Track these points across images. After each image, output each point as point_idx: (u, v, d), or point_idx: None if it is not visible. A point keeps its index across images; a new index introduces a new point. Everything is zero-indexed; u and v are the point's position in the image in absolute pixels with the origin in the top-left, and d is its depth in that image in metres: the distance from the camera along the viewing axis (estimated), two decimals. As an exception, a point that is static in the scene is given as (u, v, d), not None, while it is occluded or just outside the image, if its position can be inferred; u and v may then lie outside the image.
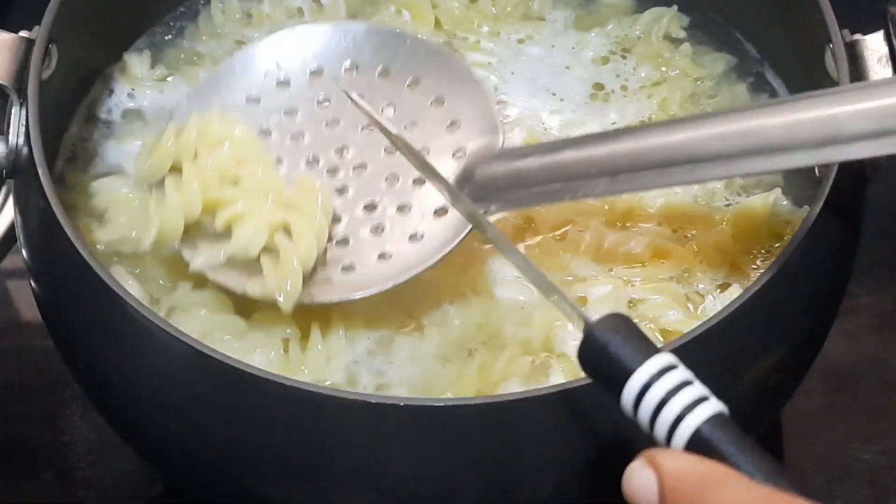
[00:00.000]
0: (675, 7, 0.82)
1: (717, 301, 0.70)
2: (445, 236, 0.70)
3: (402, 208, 0.71)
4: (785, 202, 0.74)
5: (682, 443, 0.52)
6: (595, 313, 0.69)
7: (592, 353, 0.51)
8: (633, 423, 0.52)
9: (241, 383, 0.62)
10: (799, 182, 0.75)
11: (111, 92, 0.79)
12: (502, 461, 0.63)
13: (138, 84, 0.79)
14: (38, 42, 0.71)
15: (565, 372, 0.68)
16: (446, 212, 0.70)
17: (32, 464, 0.81)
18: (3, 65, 0.70)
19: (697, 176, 0.66)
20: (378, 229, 0.71)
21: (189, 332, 0.63)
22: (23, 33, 0.72)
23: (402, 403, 0.61)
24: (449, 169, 0.71)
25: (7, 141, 0.70)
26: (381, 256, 0.70)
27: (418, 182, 0.71)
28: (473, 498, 0.64)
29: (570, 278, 0.72)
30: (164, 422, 0.66)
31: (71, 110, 0.77)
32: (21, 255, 0.72)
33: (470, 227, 0.68)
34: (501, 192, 0.70)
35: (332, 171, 0.72)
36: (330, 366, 0.68)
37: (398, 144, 0.68)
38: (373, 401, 0.61)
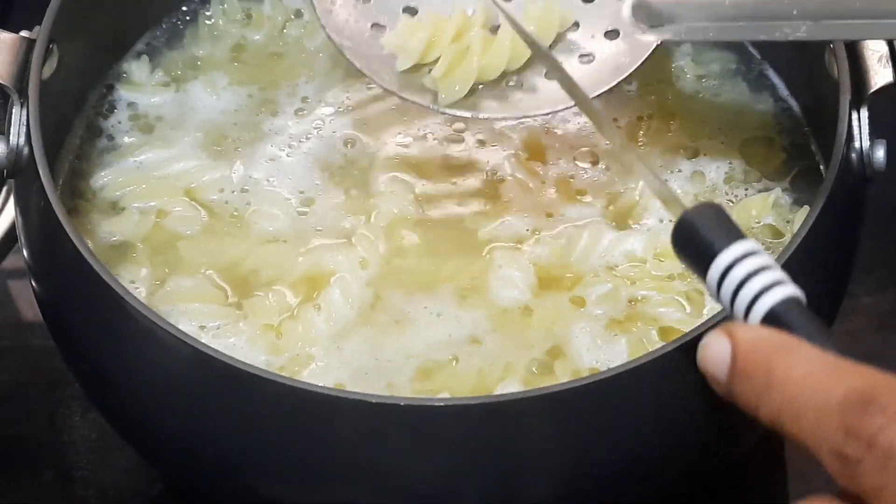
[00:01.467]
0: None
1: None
2: (618, 62, 0.71)
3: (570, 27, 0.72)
4: (785, 201, 0.74)
5: (757, 319, 0.54)
6: (595, 311, 0.70)
7: (683, 235, 0.54)
8: (715, 301, 0.55)
9: (242, 383, 0.62)
10: (800, 181, 0.75)
11: (112, 94, 0.79)
12: (502, 461, 0.63)
13: (138, 88, 0.79)
14: (38, 42, 0.71)
15: (565, 372, 0.68)
16: (617, 35, 0.71)
17: (32, 464, 0.80)
18: (3, 65, 0.70)
19: None
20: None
21: (183, 325, 0.63)
22: (23, 33, 0.72)
23: (402, 403, 0.61)
24: None
25: (8, 141, 0.70)
26: (549, 76, 0.71)
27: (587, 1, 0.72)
28: (473, 498, 0.64)
29: (571, 276, 0.72)
30: (164, 422, 0.66)
31: (72, 110, 0.78)
32: (22, 254, 0.72)
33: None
34: (684, 20, 0.70)
35: None
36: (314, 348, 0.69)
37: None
38: (373, 401, 0.61)
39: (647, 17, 0.71)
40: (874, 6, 0.66)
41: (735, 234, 0.54)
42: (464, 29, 0.72)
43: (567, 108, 0.71)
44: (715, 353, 0.50)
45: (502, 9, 0.69)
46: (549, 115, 0.75)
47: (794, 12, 0.67)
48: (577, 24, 0.73)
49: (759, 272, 0.53)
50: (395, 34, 0.72)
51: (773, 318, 0.54)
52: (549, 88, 0.72)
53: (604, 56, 0.72)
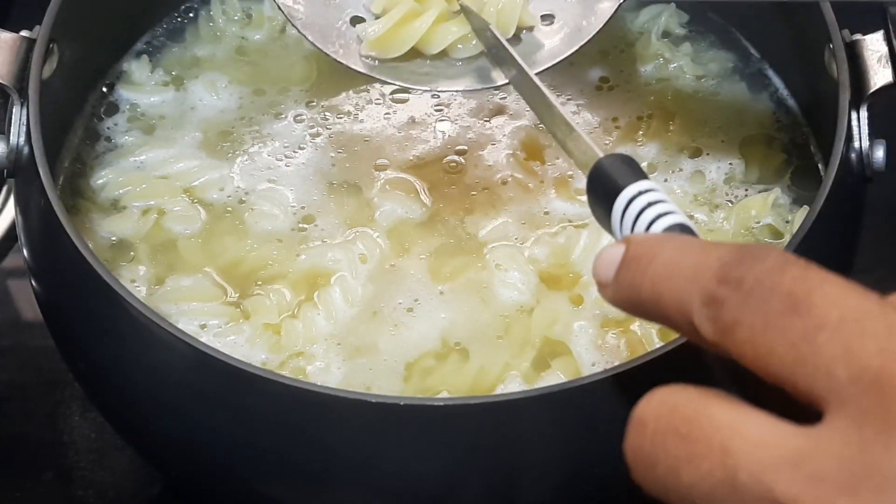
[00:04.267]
0: (672, 5, 0.82)
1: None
2: (580, 24, 0.71)
3: None
4: (785, 201, 0.74)
5: None
6: (594, 311, 0.70)
7: (595, 179, 0.57)
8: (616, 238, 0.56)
9: (242, 382, 0.62)
10: (799, 181, 0.75)
11: (112, 94, 0.79)
12: (502, 461, 0.63)
13: (138, 88, 0.79)
14: (38, 41, 0.71)
15: (565, 372, 0.68)
16: None
17: (32, 464, 0.80)
18: (3, 64, 0.70)
19: None
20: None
21: (183, 324, 0.63)
22: (24, 33, 0.72)
23: (402, 403, 0.61)
24: None
25: (8, 140, 0.70)
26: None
27: None
28: (473, 498, 0.64)
29: (571, 275, 0.72)
30: (164, 422, 0.66)
31: (72, 110, 0.78)
32: (22, 254, 0.72)
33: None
34: None
35: None
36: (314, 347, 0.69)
37: None
38: (373, 401, 0.61)
39: None
40: None
41: (638, 175, 0.55)
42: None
43: (491, 86, 0.71)
44: (608, 257, 0.49)
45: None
46: (481, 91, 0.74)
47: None
48: None
49: (655, 203, 0.54)
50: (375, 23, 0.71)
51: None
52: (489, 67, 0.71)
53: (564, 19, 0.71)
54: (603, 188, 0.56)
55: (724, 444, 0.43)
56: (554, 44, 0.71)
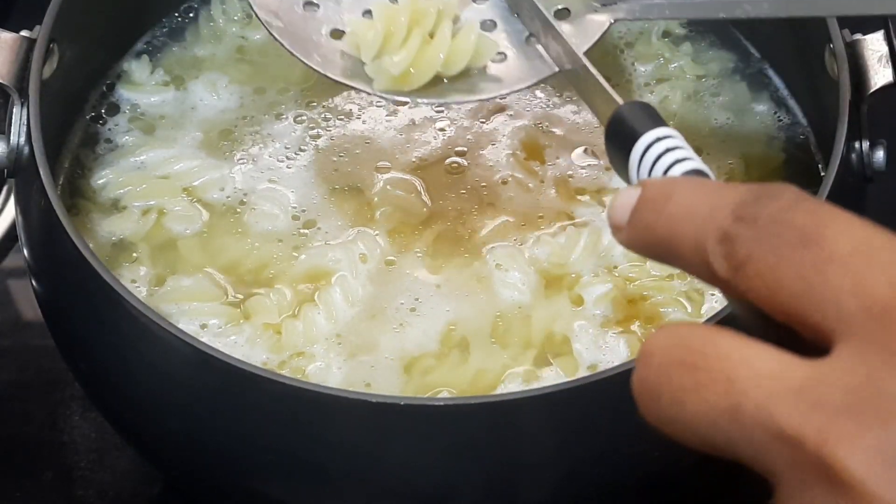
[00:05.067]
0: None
1: (717, 299, 0.70)
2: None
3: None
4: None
5: None
6: (594, 311, 0.70)
7: (614, 127, 0.57)
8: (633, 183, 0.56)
9: (242, 382, 0.62)
10: (799, 181, 0.75)
11: (112, 94, 0.79)
12: (502, 461, 0.63)
13: (139, 88, 0.79)
14: (39, 41, 0.71)
15: (565, 372, 0.68)
16: (568, 13, 0.69)
17: (32, 464, 0.80)
18: (4, 64, 0.70)
19: (878, 6, 0.64)
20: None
21: (183, 324, 0.63)
22: (24, 33, 0.72)
23: (402, 403, 0.61)
24: None
25: (8, 140, 0.70)
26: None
27: None
28: (474, 498, 0.64)
29: (572, 275, 0.72)
30: (164, 421, 0.66)
31: (73, 110, 0.78)
32: (22, 254, 0.72)
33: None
34: None
35: None
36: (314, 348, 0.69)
37: None
38: (373, 400, 0.61)
39: None
40: None
41: (657, 121, 0.55)
42: (420, 15, 0.69)
43: (510, 92, 0.69)
44: (623, 199, 0.48)
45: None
46: (496, 98, 0.73)
47: None
48: None
49: (673, 150, 0.54)
50: (350, 34, 0.70)
51: None
52: (503, 74, 0.69)
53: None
54: (621, 135, 0.56)
55: (730, 374, 0.42)
56: (541, 60, 0.70)
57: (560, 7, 0.70)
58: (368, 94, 0.69)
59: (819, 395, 0.41)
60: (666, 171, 0.53)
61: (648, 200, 0.48)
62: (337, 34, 0.70)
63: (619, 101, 0.58)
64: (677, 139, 0.54)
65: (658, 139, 0.54)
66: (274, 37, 0.69)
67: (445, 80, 0.69)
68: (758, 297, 0.43)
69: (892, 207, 0.84)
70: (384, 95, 0.69)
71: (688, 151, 0.54)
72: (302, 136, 0.77)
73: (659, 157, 0.54)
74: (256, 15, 0.70)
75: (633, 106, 0.57)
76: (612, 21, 0.69)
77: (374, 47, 0.68)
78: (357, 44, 0.69)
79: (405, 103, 0.75)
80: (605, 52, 0.80)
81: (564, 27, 0.69)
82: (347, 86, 0.69)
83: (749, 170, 0.76)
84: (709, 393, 0.43)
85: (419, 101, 0.69)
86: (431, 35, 0.68)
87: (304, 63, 0.69)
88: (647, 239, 0.48)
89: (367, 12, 0.70)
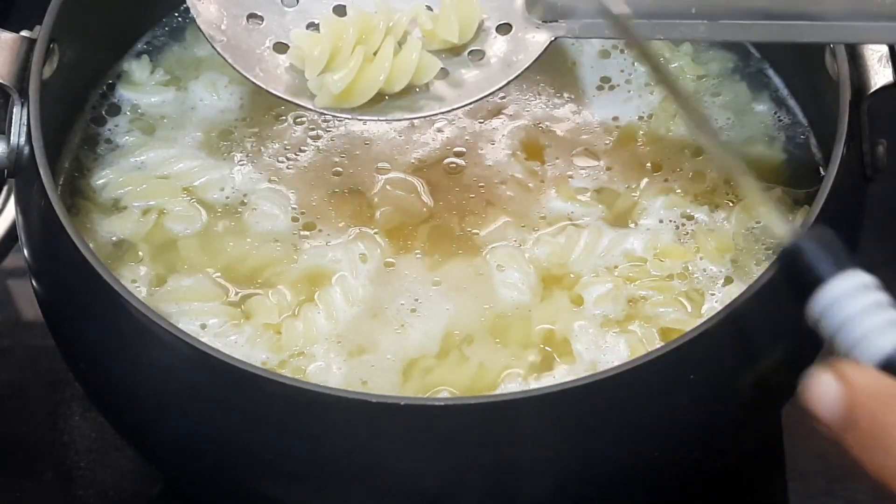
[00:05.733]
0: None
1: (718, 300, 0.70)
2: (510, 60, 0.69)
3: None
4: (786, 201, 0.74)
5: (872, 362, 0.51)
6: (594, 311, 0.70)
7: (790, 257, 0.52)
8: (813, 329, 0.52)
9: (242, 382, 0.62)
10: (800, 181, 0.75)
11: (112, 94, 0.79)
12: (502, 461, 0.63)
13: (139, 88, 0.79)
14: (39, 41, 0.71)
15: (565, 372, 0.68)
16: (510, 29, 0.69)
17: (32, 464, 0.80)
18: (4, 64, 0.70)
19: (808, 35, 0.62)
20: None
21: (183, 324, 0.63)
22: (24, 33, 0.72)
23: (402, 403, 0.61)
24: None
25: (8, 140, 0.70)
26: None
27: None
28: (473, 498, 0.64)
29: (572, 275, 0.72)
30: (164, 421, 0.66)
31: (73, 110, 0.78)
32: (22, 254, 0.72)
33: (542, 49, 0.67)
34: (580, 16, 0.68)
35: None
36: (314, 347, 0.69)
37: None
38: (373, 400, 0.61)
39: (541, 10, 0.70)
40: (775, 6, 0.64)
41: (847, 262, 0.51)
42: (366, 32, 0.70)
43: (450, 109, 0.70)
44: (824, 395, 0.46)
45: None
46: (437, 115, 0.73)
47: (693, 10, 0.65)
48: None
49: (872, 308, 0.50)
50: (296, 48, 0.70)
51: (891, 365, 0.51)
52: (445, 93, 0.70)
53: (495, 54, 0.71)
54: (800, 273, 0.51)
55: None
56: (482, 77, 0.70)
57: (501, 23, 0.70)
58: (309, 110, 0.70)
59: None
60: (864, 341, 0.49)
61: (862, 431, 0.45)
62: (281, 48, 0.71)
63: (789, 226, 0.52)
64: (874, 290, 0.50)
65: (848, 290, 0.50)
66: (217, 51, 0.70)
67: (387, 98, 0.70)
68: None
69: (892, 207, 0.84)
70: (325, 112, 0.70)
71: (893, 311, 0.49)
72: (302, 136, 0.77)
73: (850, 318, 0.49)
74: (200, 29, 0.70)
75: (812, 237, 0.52)
76: (553, 39, 0.69)
77: (320, 64, 0.68)
78: (302, 57, 0.69)
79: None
80: (606, 52, 0.80)
81: (505, 42, 0.69)
82: (288, 102, 0.70)
83: (749, 169, 0.75)
84: None
85: (360, 118, 0.70)
86: (375, 53, 0.69)
87: (246, 77, 0.70)
88: (865, 467, 0.46)
89: (312, 25, 0.70)
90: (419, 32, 0.71)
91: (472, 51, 0.71)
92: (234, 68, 0.70)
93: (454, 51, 0.71)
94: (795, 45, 0.76)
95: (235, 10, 0.71)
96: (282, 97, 0.70)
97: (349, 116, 0.70)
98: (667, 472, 0.66)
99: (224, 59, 0.70)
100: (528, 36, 0.70)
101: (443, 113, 0.71)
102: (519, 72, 0.70)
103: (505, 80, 0.70)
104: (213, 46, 0.70)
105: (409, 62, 0.69)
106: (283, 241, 0.73)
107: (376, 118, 0.71)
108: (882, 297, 0.51)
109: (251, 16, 0.71)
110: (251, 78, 0.70)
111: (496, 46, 0.71)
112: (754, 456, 0.78)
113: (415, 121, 0.77)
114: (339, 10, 0.72)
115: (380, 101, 0.70)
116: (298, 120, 0.78)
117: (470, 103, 0.70)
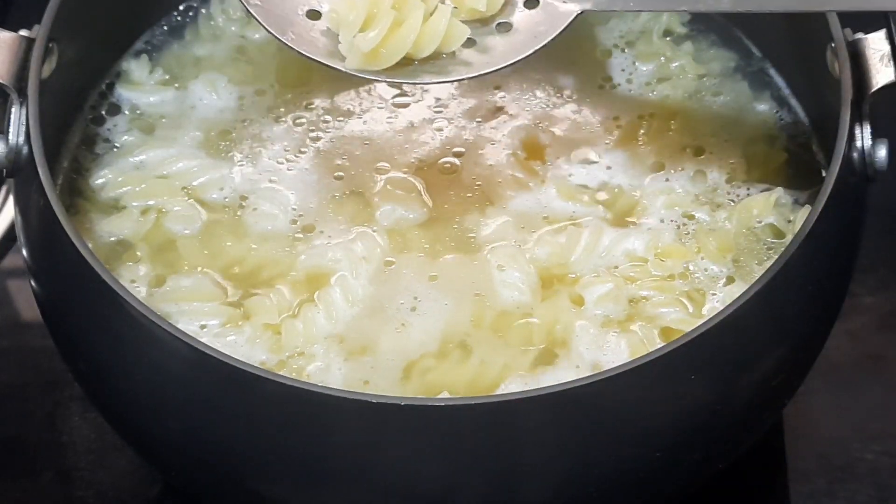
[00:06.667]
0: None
1: (719, 300, 0.70)
2: (536, 31, 0.70)
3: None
4: (787, 200, 0.74)
5: None
6: (595, 311, 0.70)
7: None
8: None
9: (242, 383, 0.62)
10: (801, 180, 0.75)
11: (111, 93, 0.79)
12: (502, 461, 0.63)
13: (138, 87, 0.79)
14: (38, 41, 0.71)
15: (565, 372, 0.68)
16: (537, 3, 0.70)
17: (32, 464, 0.80)
18: (3, 64, 0.70)
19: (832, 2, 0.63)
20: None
21: (183, 324, 0.63)
22: (23, 32, 0.72)
23: (402, 403, 0.61)
24: None
25: (7, 140, 0.70)
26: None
27: None
28: (473, 498, 0.64)
29: (572, 275, 0.72)
30: (164, 422, 0.66)
31: (72, 109, 0.77)
32: (21, 254, 0.72)
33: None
34: None
35: None
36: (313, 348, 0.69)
37: None
38: (373, 401, 0.61)
39: None
40: None
41: None
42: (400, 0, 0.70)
43: (485, 72, 0.70)
44: None
45: None
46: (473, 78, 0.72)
47: None
48: None
49: None
50: (332, 11, 0.70)
51: None
52: (472, 59, 0.70)
53: (522, 25, 0.71)
54: None
55: None
56: (509, 46, 0.70)
57: None
58: (339, 70, 0.69)
59: None
60: None
61: None
62: (313, 14, 0.70)
63: None
64: None
65: None
66: (250, 13, 0.70)
67: (416, 63, 0.69)
68: None
69: (894, 207, 0.84)
70: (355, 73, 0.69)
71: None
72: (302, 137, 0.77)
73: None
74: None
75: None
76: (580, 11, 0.69)
77: (355, 28, 0.69)
78: (337, 21, 0.70)
79: (403, 94, 0.74)
80: (606, 51, 0.80)
81: (532, 14, 0.69)
82: (320, 63, 0.69)
83: (750, 169, 0.76)
84: None
85: (389, 80, 0.70)
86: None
87: (278, 39, 0.70)
88: None
89: None
90: (449, 1, 0.71)
91: (499, 23, 0.71)
92: (268, 31, 0.70)
93: (482, 21, 0.71)
94: (796, 45, 0.76)
95: None
96: (314, 58, 0.70)
97: (379, 78, 0.70)
98: (667, 473, 0.66)
99: (258, 21, 0.70)
100: (556, 8, 0.70)
101: (470, 77, 0.71)
102: (545, 41, 0.70)
103: (531, 49, 0.70)
104: (246, 9, 0.70)
105: (439, 27, 0.69)
106: (282, 240, 0.73)
107: (405, 80, 0.71)
108: None
109: None
110: (284, 40, 0.70)
111: (523, 18, 0.71)
112: (755, 456, 0.78)
113: (414, 121, 0.77)
114: None
115: (408, 66, 0.70)
116: (298, 121, 0.78)
117: (498, 69, 0.70)
